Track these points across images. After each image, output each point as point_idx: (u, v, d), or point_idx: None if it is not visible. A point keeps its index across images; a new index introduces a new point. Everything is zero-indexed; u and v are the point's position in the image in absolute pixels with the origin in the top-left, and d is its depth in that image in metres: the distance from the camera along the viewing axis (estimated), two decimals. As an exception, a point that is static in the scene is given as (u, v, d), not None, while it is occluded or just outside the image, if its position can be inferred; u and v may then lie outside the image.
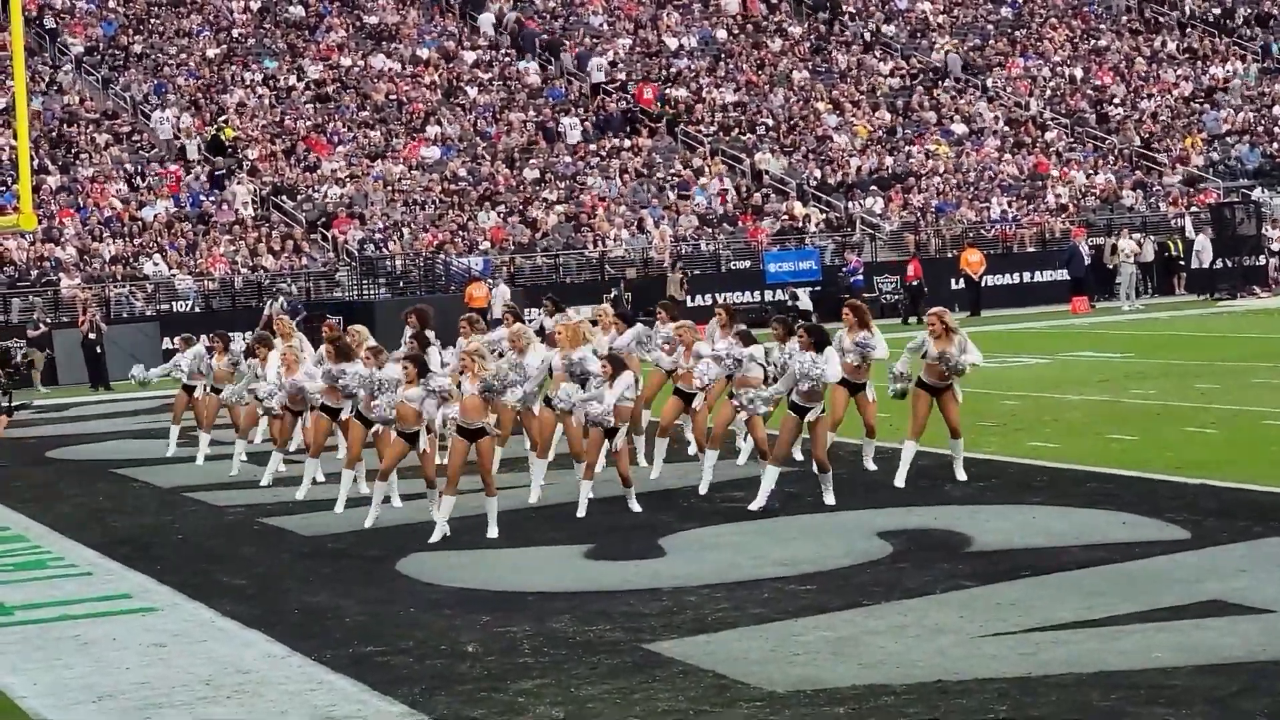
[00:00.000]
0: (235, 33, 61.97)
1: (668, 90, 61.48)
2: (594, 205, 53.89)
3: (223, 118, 56.05)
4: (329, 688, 11.68)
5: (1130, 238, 51.48)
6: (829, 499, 17.83)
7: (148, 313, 46.63)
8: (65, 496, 22.77)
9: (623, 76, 62.42)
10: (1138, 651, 11.24)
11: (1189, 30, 69.56)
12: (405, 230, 51.57)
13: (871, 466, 19.86)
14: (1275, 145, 61.24)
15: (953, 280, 51.04)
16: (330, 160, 54.95)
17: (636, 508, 18.23)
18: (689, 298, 48.05)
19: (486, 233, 51.96)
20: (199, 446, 25.17)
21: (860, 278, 49.78)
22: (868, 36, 66.66)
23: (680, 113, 60.40)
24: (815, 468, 18.18)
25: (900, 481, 18.76)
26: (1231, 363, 30.92)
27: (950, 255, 52.69)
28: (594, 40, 64.41)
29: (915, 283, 49.39)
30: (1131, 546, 14.76)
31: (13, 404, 27.96)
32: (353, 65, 60.82)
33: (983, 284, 50.68)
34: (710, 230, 53.75)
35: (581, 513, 18.30)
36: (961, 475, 18.94)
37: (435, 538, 17.27)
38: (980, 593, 13.36)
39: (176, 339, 28.60)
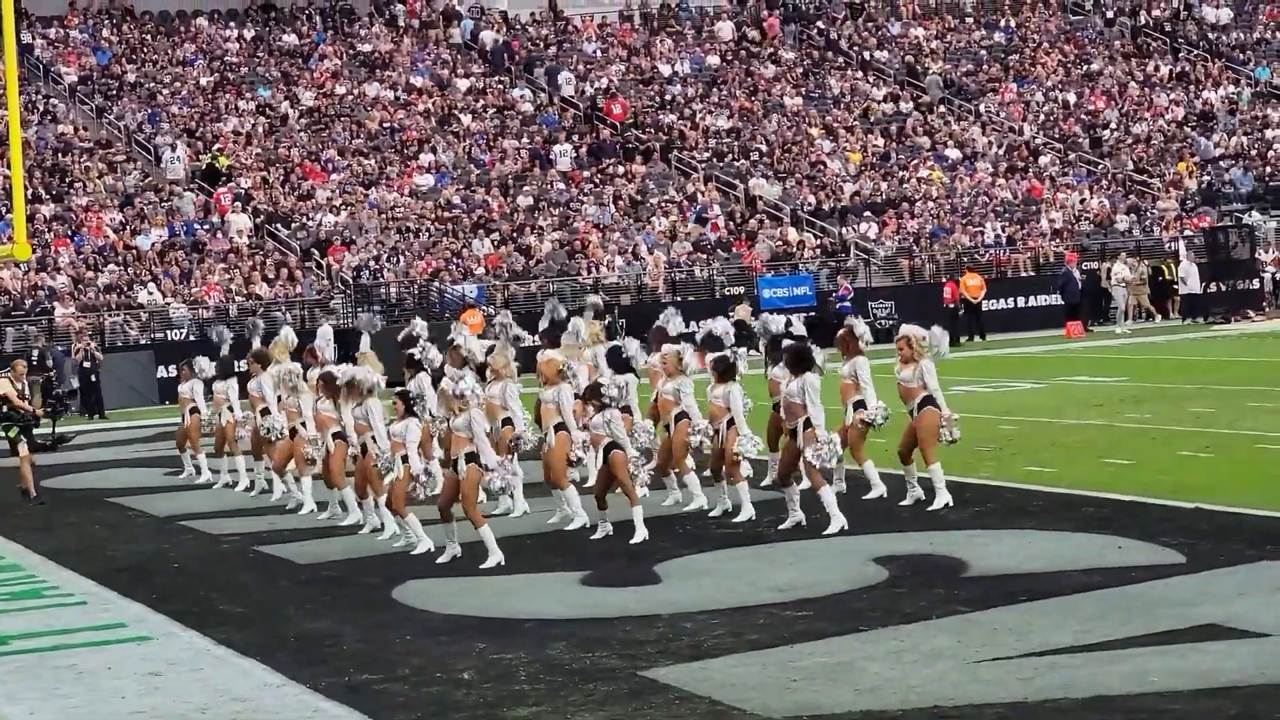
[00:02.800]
0: (229, 61, 62.08)
1: (660, 116, 61.62)
2: (588, 232, 53.94)
3: (216, 146, 56.15)
4: (325, 716, 11.67)
5: (1124, 262, 51.58)
6: (794, 517, 17.96)
7: (142, 341, 46.67)
8: (61, 525, 22.76)
9: (591, 90, 62.64)
10: (1135, 676, 11.23)
11: (1181, 55, 69.71)
12: (400, 258, 51.61)
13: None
14: (1268, 169, 61.33)
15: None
16: (324, 188, 55.00)
17: (644, 533, 18.21)
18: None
19: (481, 260, 52.01)
20: (239, 472, 25.29)
21: (849, 304, 49.75)
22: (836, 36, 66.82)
23: (643, 127, 60.62)
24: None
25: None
26: (1226, 386, 30.93)
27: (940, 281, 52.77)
28: (587, 66, 64.53)
29: (952, 305, 49.55)
30: (1128, 571, 14.75)
31: (56, 435, 27.08)
32: (347, 93, 60.91)
33: (981, 308, 50.72)
34: (704, 256, 53.79)
35: (575, 525, 18.91)
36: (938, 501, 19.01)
37: (445, 557, 17.54)
38: (977, 618, 13.35)
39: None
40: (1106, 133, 63.69)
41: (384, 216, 53.87)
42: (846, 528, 17.71)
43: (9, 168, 40.43)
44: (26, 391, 26.09)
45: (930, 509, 18.74)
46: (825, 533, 17.62)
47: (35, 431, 26.93)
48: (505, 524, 19.54)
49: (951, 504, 18.76)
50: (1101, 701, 10.67)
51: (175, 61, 61.69)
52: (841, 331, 20.27)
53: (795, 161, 59.77)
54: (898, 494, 19.54)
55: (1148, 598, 13.68)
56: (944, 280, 51.66)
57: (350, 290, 49.98)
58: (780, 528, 17.97)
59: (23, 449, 25.52)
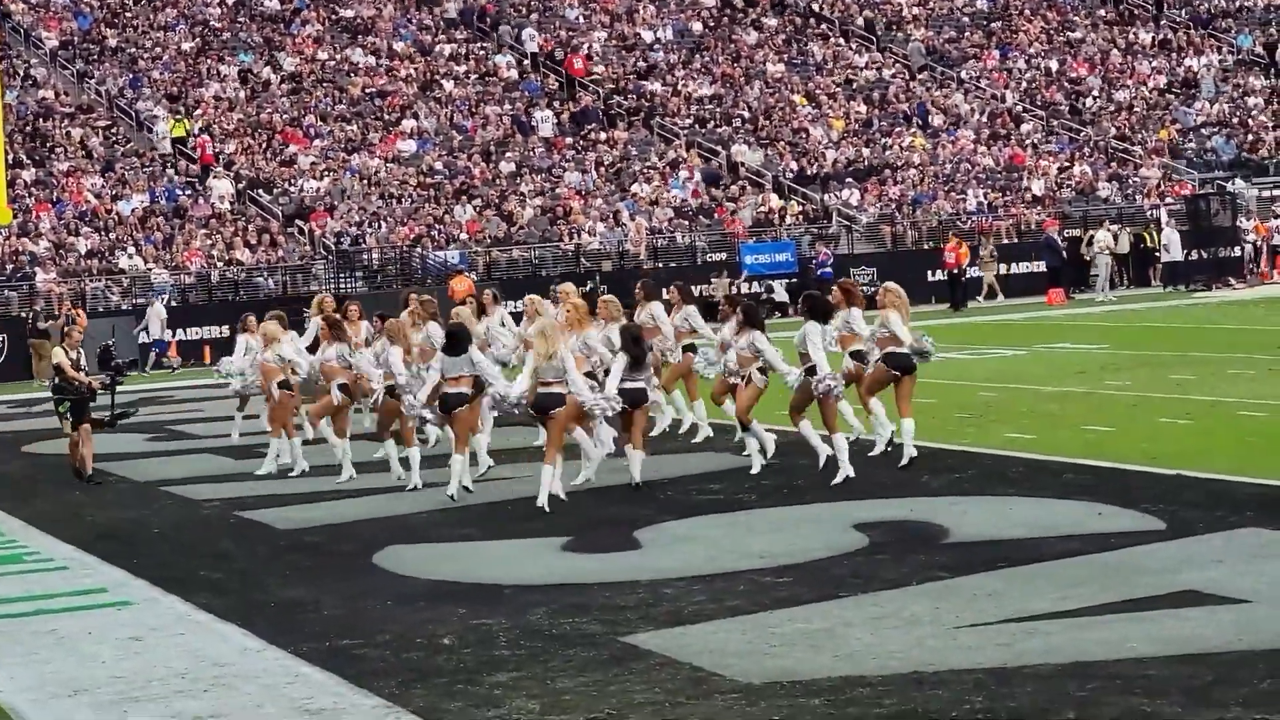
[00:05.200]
0: (211, 26, 61.86)
1: (642, 83, 61.53)
2: (570, 198, 53.88)
3: (198, 111, 55.98)
4: (305, 681, 11.66)
5: (1107, 229, 51.61)
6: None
7: (124, 306, 46.59)
8: (42, 491, 22.71)
9: (551, 45, 62.59)
10: (1114, 642, 11.25)
11: (1163, 22, 69.67)
12: (382, 223, 51.53)
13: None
14: (1249, 137, 61.34)
15: (930, 272, 51.16)
16: (306, 154, 54.87)
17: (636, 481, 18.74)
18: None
19: (463, 226, 51.94)
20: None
21: (829, 269, 49.74)
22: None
23: (625, 93, 60.58)
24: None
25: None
26: (1207, 354, 30.97)
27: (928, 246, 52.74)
28: (570, 33, 64.38)
29: (956, 271, 49.54)
30: (1107, 537, 14.77)
31: (115, 412, 24.75)
32: (329, 59, 60.73)
33: (965, 276, 50.68)
34: (686, 222, 53.76)
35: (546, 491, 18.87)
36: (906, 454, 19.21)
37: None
38: (956, 584, 13.36)
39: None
40: (1089, 100, 63.67)
41: (366, 182, 53.78)
42: (852, 475, 18.28)
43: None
44: (83, 361, 23.93)
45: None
46: (833, 483, 18.23)
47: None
48: (487, 491, 19.54)
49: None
50: (1080, 667, 10.68)
51: (156, 26, 61.47)
52: (840, 282, 20.74)
53: (777, 128, 59.71)
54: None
55: (1127, 564, 13.71)
56: (943, 245, 51.36)
57: (332, 256, 49.89)
58: (833, 483, 18.26)
59: (82, 427, 22.93)
